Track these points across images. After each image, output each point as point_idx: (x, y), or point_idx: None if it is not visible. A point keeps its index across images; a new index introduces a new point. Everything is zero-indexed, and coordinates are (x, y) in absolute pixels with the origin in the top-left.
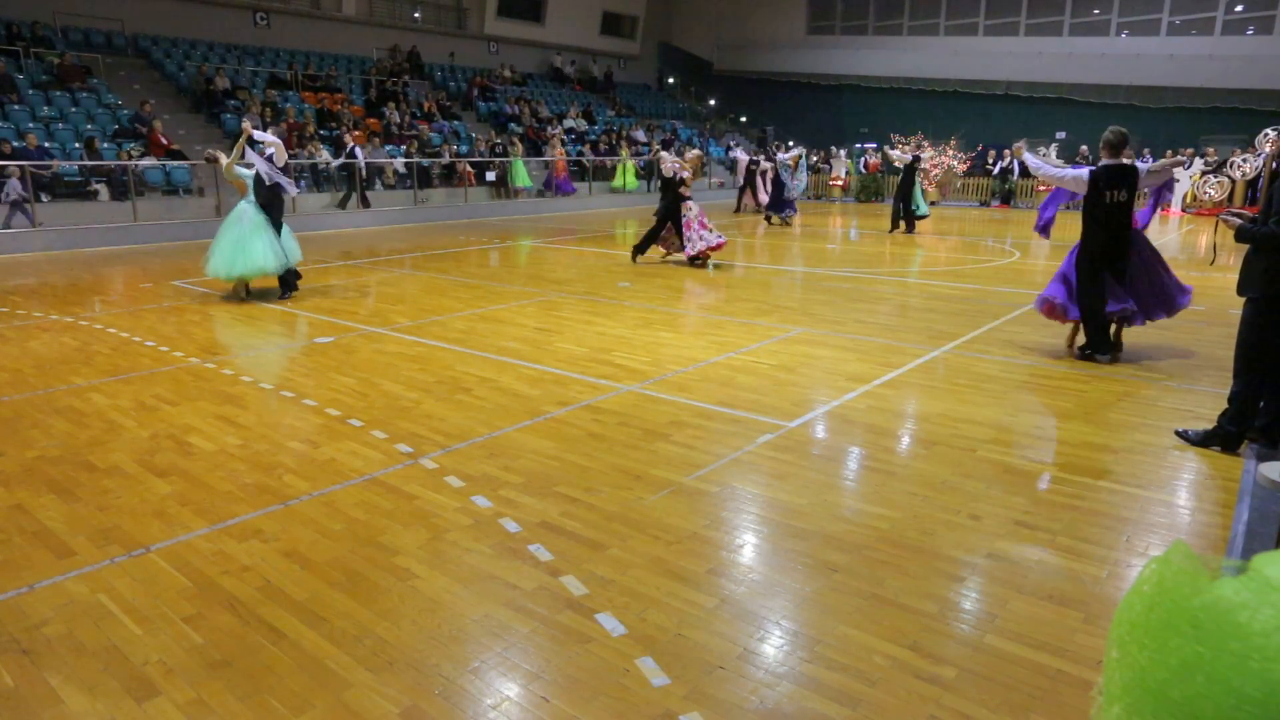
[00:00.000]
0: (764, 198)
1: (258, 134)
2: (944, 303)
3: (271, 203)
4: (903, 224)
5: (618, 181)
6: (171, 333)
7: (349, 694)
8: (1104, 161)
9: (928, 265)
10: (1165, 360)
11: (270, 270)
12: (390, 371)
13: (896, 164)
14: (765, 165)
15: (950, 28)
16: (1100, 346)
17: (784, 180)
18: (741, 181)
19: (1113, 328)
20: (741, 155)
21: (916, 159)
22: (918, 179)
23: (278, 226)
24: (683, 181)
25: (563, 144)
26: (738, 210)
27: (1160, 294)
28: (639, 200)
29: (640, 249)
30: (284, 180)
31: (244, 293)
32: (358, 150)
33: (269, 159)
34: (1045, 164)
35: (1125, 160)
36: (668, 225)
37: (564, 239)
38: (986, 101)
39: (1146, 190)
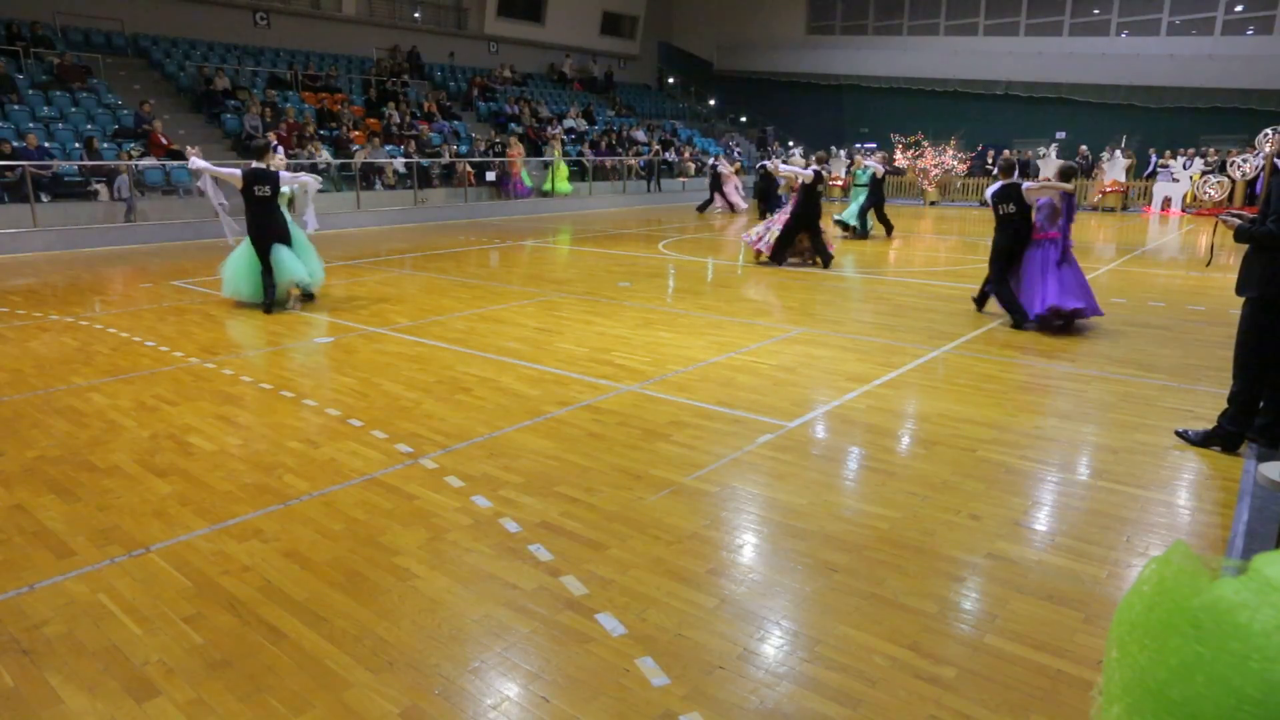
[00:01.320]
0: (737, 201)
1: (284, 175)
2: (944, 303)
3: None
4: (885, 228)
5: (553, 185)
6: (171, 333)
7: (349, 694)
8: (1000, 183)
9: (927, 265)
10: (1165, 360)
11: (299, 280)
12: (390, 371)
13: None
14: (723, 169)
15: (950, 28)
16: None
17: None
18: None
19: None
20: (723, 168)
21: (888, 172)
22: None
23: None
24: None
25: (563, 144)
26: (702, 210)
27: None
28: (636, 201)
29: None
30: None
31: (291, 304)
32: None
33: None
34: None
35: (1014, 180)
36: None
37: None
38: (986, 101)
39: (1036, 201)
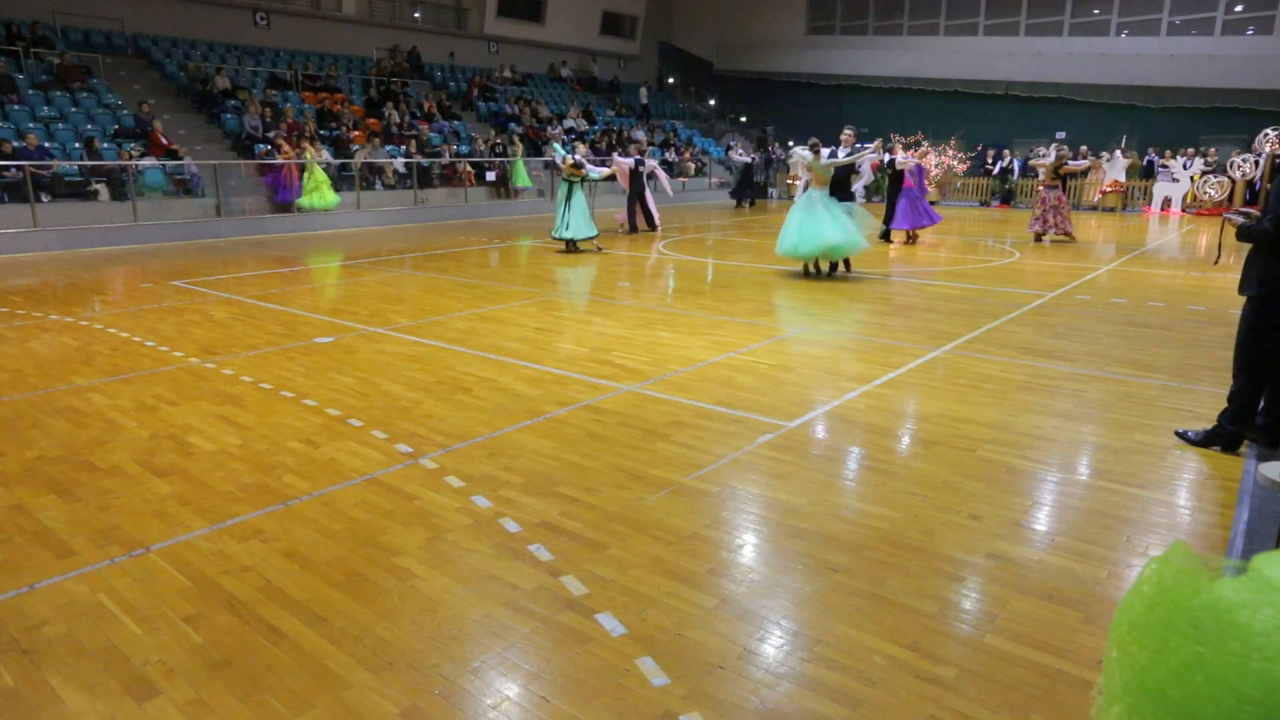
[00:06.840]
0: (654, 210)
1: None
2: (944, 303)
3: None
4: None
5: (311, 198)
6: (171, 333)
7: (349, 694)
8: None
9: (928, 265)
10: (1165, 360)
11: (838, 247)
12: (390, 371)
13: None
14: (650, 165)
15: (950, 28)
16: None
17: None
18: (629, 191)
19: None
20: (625, 160)
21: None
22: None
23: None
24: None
25: (559, 143)
26: (632, 230)
27: None
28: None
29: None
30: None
31: (816, 269)
32: None
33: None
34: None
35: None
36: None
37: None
38: (986, 101)
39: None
